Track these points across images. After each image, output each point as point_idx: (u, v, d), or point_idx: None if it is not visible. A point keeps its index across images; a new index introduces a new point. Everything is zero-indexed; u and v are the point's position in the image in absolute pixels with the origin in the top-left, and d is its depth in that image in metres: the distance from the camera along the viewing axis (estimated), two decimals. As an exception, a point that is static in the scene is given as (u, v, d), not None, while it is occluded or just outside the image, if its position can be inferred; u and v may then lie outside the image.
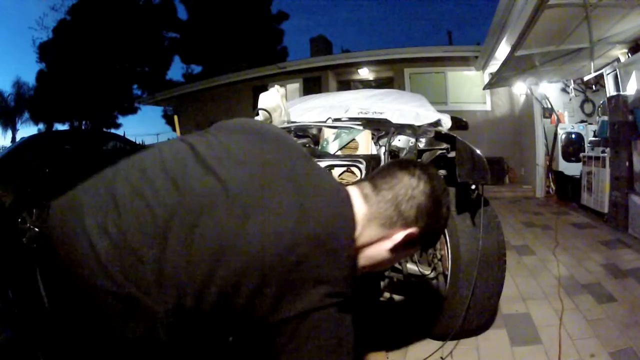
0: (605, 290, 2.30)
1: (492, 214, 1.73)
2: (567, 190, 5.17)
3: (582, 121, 5.68)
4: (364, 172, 1.37)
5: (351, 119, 2.06)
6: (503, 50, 5.39)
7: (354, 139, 1.63)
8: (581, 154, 4.71)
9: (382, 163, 1.60)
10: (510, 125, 7.17)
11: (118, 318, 0.62)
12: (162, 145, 0.83)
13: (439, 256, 1.85)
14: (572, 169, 5.24)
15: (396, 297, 1.99)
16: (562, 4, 3.35)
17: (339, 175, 1.46)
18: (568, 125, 5.59)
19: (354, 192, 0.77)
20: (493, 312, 1.86)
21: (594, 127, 4.97)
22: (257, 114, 2.09)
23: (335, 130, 1.69)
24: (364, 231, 0.73)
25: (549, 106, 5.95)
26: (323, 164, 1.41)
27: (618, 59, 4.61)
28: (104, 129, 17.08)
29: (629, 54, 4.43)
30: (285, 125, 1.99)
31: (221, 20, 19.03)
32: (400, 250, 0.77)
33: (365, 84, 8.95)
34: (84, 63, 17.83)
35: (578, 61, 4.64)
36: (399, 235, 0.75)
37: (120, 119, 22.29)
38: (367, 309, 1.44)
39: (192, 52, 20.50)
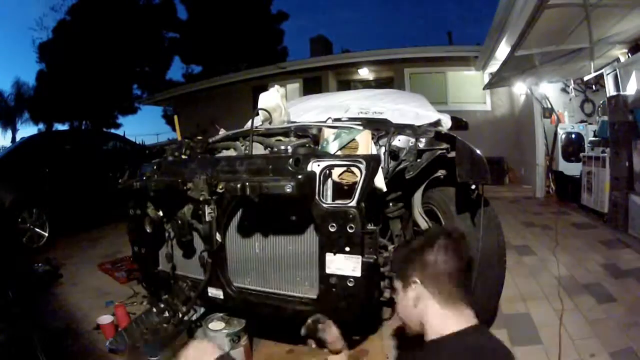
0: (605, 290, 2.30)
1: (492, 214, 1.73)
2: (567, 190, 5.16)
3: (582, 121, 5.68)
4: (363, 172, 1.36)
5: (351, 119, 2.06)
6: (503, 50, 5.38)
7: (354, 139, 1.62)
8: (581, 154, 4.71)
9: (382, 163, 1.60)
10: (510, 125, 7.16)
11: None
12: None
13: (439, 256, 1.84)
14: (572, 169, 5.23)
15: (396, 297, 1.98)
16: (562, 4, 3.34)
17: (339, 175, 1.46)
18: (568, 125, 5.59)
19: None
20: (493, 312, 1.86)
21: (594, 127, 4.96)
22: (257, 114, 2.09)
23: (335, 130, 1.69)
24: None
25: (549, 106, 5.95)
26: (323, 164, 1.40)
27: (618, 59, 4.60)
28: (104, 129, 17.05)
29: (629, 54, 4.42)
30: (285, 125, 1.99)
31: (221, 20, 19.02)
32: None
33: (365, 84, 8.94)
34: (83, 63, 17.81)
35: (578, 61, 4.64)
36: None
37: (120, 119, 22.27)
38: (368, 309, 1.44)
39: (192, 52, 20.48)
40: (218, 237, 1.51)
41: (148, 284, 2.10)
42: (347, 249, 1.35)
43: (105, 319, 2.02)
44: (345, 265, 1.37)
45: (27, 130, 24.24)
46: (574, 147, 5.34)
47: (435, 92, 7.31)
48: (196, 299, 1.70)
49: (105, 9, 18.21)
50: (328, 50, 10.73)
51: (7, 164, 4.42)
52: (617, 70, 4.55)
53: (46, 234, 4.08)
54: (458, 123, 2.55)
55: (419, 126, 1.92)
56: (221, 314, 1.73)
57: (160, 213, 1.71)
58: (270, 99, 2.05)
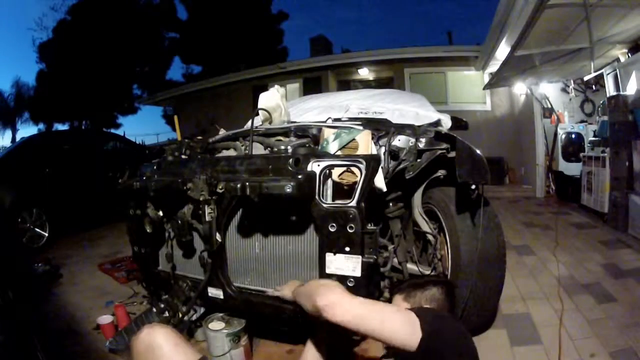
0: (605, 290, 2.30)
1: (492, 214, 1.73)
2: (567, 190, 5.16)
3: (582, 121, 5.68)
4: (363, 172, 1.36)
5: (351, 119, 2.06)
6: (503, 50, 5.39)
7: (354, 139, 1.62)
8: (581, 154, 4.71)
9: (382, 163, 1.60)
10: (510, 125, 7.16)
11: None
12: None
13: (439, 256, 1.85)
14: (572, 169, 5.24)
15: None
16: (562, 4, 3.34)
17: (339, 175, 1.46)
18: (568, 125, 5.59)
19: None
20: (493, 312, 1.86)
21: (594, 127, 4.96)
22: (257, 114, 2.09)
23: (335, 130, 1.68)
24: None
25: (549, 106, 5.95)
26: (323, 164, 1.40)
27: (618, 59, 4.61)
28: (104, 129, 17.05)
29: (629, 54, 4.42)
30: (285, 125, 1.99)
31: (221, 20, 19.02)
32: None
33: (365, 84, 8.94)
34: (84, 63, 17.81)
35: (578, 61, 4.64)
36: None
37: (120, 119, 22.30)
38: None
39: (192, 52, 20.49)
40: (218, 237, 1.51)
41: (148, 284, 2.10)
42: (347, 249, 1.35)
43: (105, 319, 2.02)
44: (345, 265, 1.37)
45: (27, 130, 24.30)
46: (574, 147, 5.34)
47: (435, 92, 7.32)
48: (196, 299, 1.70)
49: (105, 9, 18.21)
50: (328, 50, 10.74)
51: (7, 164, 4.42)
52: (617, 70, 4.55)
53: (46, 234, 4.08)
54: (458, 123, 2.55)
55: (419, 126, 1.92)
56: (221, 314, 1.73)
57: (160, 213, 1.70)
58: (270, 99, 2.05)
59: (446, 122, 2.40)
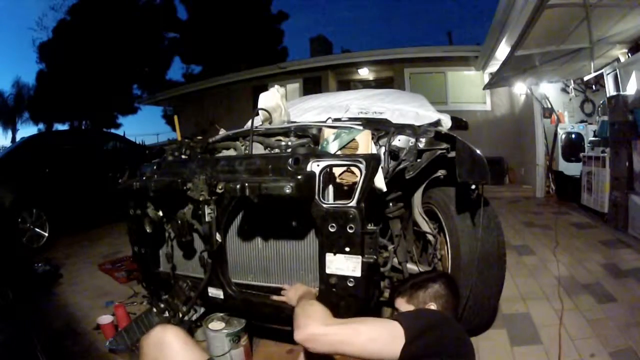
0: (605, 290, 2.30)
1: (492, 214, 1.73)
2: (567, 190, 5.16)
3: (582, 121, 5.68)
4: (363, 172, 1.36)
5: (351, 119, 2.06)
6: (503, 50, 5.39)
7: (354, 139, 1.62)
8: (581, 154, 4.71)
9: (382, 163, 1.60)
10: (510, 125, 7.16)
11: None
12: None
13: (439, 256, 1.85)
14: (572, 169, 5.24)
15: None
16: (562, 4, 3.34)
17: (339, 175, 1.46)
18: (568, 125, 5.59)
19: None
20: (493, 312, 1.86)
21: (594, 127, 4.96)
22: (257, 114, 2.09)
23: (335, 130, 1.68)
24: None
25: (549, 106, 5.95)
26: (323, 163, 1.40)
27: (618, 59, 4.61)
28: (104, 129, 17.05)
29: (629, 54, 4.42)
30: (285, 125, 1.99)
31: (221, 20, 19.02)
32: None
33: (365, 84, 8.94)
34: (83, 63, 17.82)
35: (578, 61, 4.64)
36: None
37: (120, 119, 22.32)
38: (368, 309, 1.44)
39: (192, 52, 20.50)
40: (218, 237, 1.51)
41: (148, 284, 2.10)
42: (347, 249, 1.35)
43: (105, 319, 2.02)
44: (345, 265, 1.37)
45: (27, 130, 24.30)
46: (574, 147, 5.34)
47: (435, 92, 7.32)
48: (196, 299, 1.70)
49: (105, 9, 18.21)
50: (328, 50, 10.74)
51: (7, 164, 4.42)
52: (617, 70, 4.55)
53: (46, 234, 4.08)
54: (458, 123, 2.54)
55: (419, 126, 1.92)
56: (221, 314, 1.73)
57: (160, 213, 1.71)
58: (270, 99, 2.05)
59: (446, 122, 2.40)
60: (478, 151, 1.53)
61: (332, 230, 1.35)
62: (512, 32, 4.72)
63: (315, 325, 0.98)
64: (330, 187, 1.46)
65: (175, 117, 3.32)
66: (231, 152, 1.93)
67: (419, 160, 1.69)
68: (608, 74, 4.79)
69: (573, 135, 5.43)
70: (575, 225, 3.94)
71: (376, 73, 8.62)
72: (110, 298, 2.54)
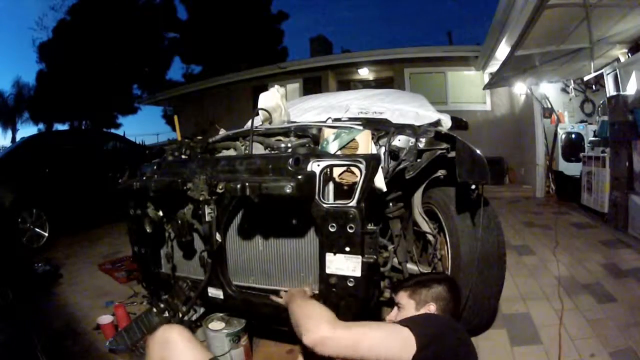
0: (605, 290, 2.30)
1: (492, 214, 1.73)
2: (567, 190, 5.16)
3: (582, 121, 5.68)
4: (363, 171, 1.36)
5: (351, 119, 2.06)
6: (503, 50, 5.39)
7: (354, 139, 1.62)
8: (581, 154, 4.71)
9: (382, 163, 1.60)
10: (510, 125, 7.16)
11: None
12: None
13: (439, 256, 1.85)
14: (572, 169, 5.24)
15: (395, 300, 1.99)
16: (562, 4, 3.34)
17: (339, 175, 1.46)
18: (568, 125, 5.59)
19: None
20: (493, 312, 1.86)
21: (594, 127, 4.97)
22: (257, 114, 2.09)
23: (335, 130, 1.68)
24: None
25: (549, 106, 5.95)
26: (323, 163, 1.40)
27: (618, 59, 4.61)
28: (104, 129, 17.05)
29: (629, 54, 4.42)
30: (285, 125, 1.99)
31: (221, 20, 19.02)
32: None
33: (365, 84, 8.94)
34: (83, 63, 17.82)
35: (578, 61, 4.64)
36: None
37: (120, 119, 22.32)
38: (368, 309, 1.44)
39: (192, 52, 20.50)
40: (218, 237, 1.51)
41: (148, 284, 2.10)
42: (347, 249, 1.35)
43: (105, 319, 2.02)
44: (345, 265, 1.37)
45: (27, 130, 24.29)
46: (574, 147, 5.34)
47: (435, 92, 7.32)
48: (196, 299, 1.70)
49: (105, 9, 18.21)
50: (328, 50, 10.74)
51: (7, 164, 4.42)
52: (617, 70, 4.55)
53: (46, 234, 4.08)
54: (458, 123, 2.54)
55: (419, 126, 1.92)
56: (221, 314, 1.73)
57: (160, 213, 1.71)
58: (270, 99, 2.05)
59: (446, 122, 2.40)
60: (478, 151, 1.53)
61: (332, 230, 1.35)
62: (512, 32, 4.72)
63: (325, 328, 0.98)
64: (331, 187, 1.46)
65: (175, 117, 3.32)
66: (231, 152, 1.93)
67: (419, 160, 1.69)
68: (608, 74, 4.79)
69: (573, 135, 5.44)
70: (575, 225, 3.94)
71: (376, 73, 8.62)
72: (110, 298, 2.54)
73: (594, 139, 4.70)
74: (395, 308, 1.35)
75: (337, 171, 1.45)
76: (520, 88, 6.37)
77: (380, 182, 1.49)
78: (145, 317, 1.92)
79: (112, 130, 18.57)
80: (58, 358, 1.86)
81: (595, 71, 4.63)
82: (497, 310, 1.95)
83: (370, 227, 1.36)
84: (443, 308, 1.26)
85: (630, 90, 4.15)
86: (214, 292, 1.64)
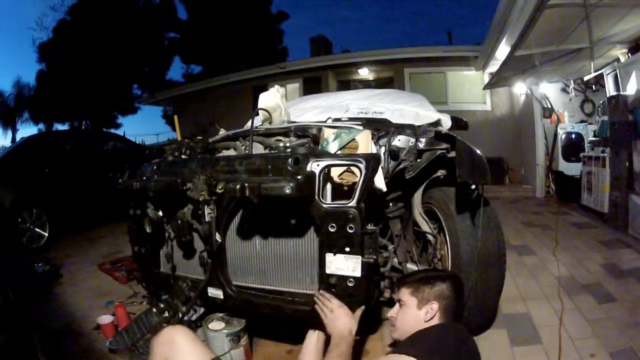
0: (605, 290, 2.30)
1: (492, 214, 1.73)
2: (567, 190, 5.16)
3: (582, 121, 5.68)
4: (363, 171, 1.36)
5: (351, 119, 2.06)
6: (503, 50, 5.39)
7: (354, 139, 1.62)
8: (581, 154, 4.71)
9: (382, 163, 1.60)
10: (510, 125, 7.16)
11: None
12: None
13: (439, 256, 1.85)
14: (572, 169, 5.24)
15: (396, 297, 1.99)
16: (562, 4, 3.34)
17: (339, 175, 1.46)
18: (568, 125, 5.59)
19: None
20: (493, 312, 1.86)
21: (594, 127, 4.96)
22: (257, 114, 2.09)
23: (335, 130, 1.68)
24: None
25: (549, 106, 5.95)
26: (322, 163, 1.40)
27: (618, 59, 4.61)
28: (104, 129, 17.05)
29: (629, 54, 4.42)
30: (285, 125, 1.99)
31: (221, 20, 19.02)
32: None
33: (365, 84, 8.94)
34: (83, 63, 17.81)
35: (578, 61, 4.64)
36: None
37: (120, 119, 22.29)
38: (368, 309, 1.44)
39: (192, 52, 20.49)
40: (218, 237, 1.51)
41: (148, 284, 2.10)
42: (347, 249, 1.35)
43: (105, 319, 2.01)
44: (345, 265, 1.37)
45: (27, 130, 24.27)
46: (574, 147, 5.34)
47: (435, 92, 7.32)
48: (196, 299, 1.70)
49: (105, 9, 18.20)
50: (328, 50, 10.74)
51: (7, 164, 4.42)
52: (617, 70, 4.55)
53: (46, 234, 4.08)
54: (458, 123, 2.55)
55: (419, 126, 1.92)
56: (221, 314, 1.73)
57: (160, 213, 1.71)
58: (270, 99, 2.05)
59: (446, 122, 2.40)
60: (478, 151, 1.53)
61: (332, 230, 1.35)
62: (512, 32, 4.72)
63: None
64: (330, 187, 1.46)
65: (175, 117, 3.32)
66: (231, 152, 1.93)
67: (419, 160, 1.69)
68: (608, 74, 4.79)
69: (573, 135, 5.44)
70: (575, 225, 3.94)
71: (376, 73, 8.62)
72: (110, 298, 2.54)
73: (594, 139, 4.69)
74: (397, 305, 1.35)
75: (337, 171, 1.45)
76: (520, 88, 6.37)
77: (380, 182, 1.49)
78: (145, 317, 1.92)
79: (112, 130, 18.59)
80: (58, 358, 1.86)
81: (595, 71, 4.62)
82: (497, 310, 1.95)
83: (370, 227, 1.37)
84: (445, 307, 1.25)
85: (630, 90, 4.15)
86: (214, 292, 1.64)
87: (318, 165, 1.39)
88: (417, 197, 1.95)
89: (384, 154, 1.65)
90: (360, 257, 1.35)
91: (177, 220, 1.58)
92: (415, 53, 7.59)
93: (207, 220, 1.47)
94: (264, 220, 1.56)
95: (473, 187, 1.56)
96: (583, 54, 4.31)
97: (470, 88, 7.46)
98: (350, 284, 1.37)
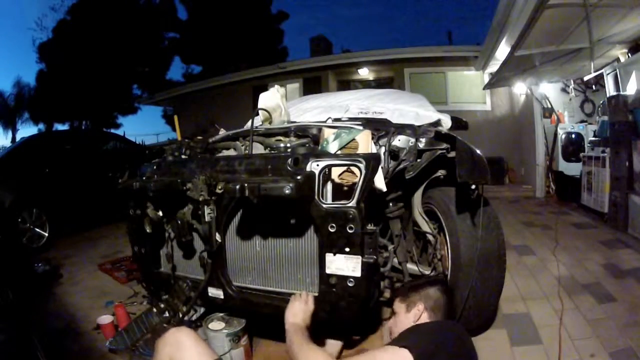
0: (605, 290, 2.30)
1: (492, 214, 1.73)
2: (567, 190, 5.16)
3: (582, 121, 5.68)
4: (363, 171, 1.36)
5: (351, 119, 2.06)
6: (503, 50, 5.38)
7: (354, 139, 1.62)
8: (581, 154, 4.71)
9: (382, 163, 1.60)
10: (510, 125, 7.16)
11: None
12: None
13: (439, 256, 1.85)
14: (572, 169, 5.24)
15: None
16: (562, 4, 3.34)
17: (339, 175, 1.46)
18: (568, 125, 5.59)
19: None
20: (493, 312, 1.86)
21: (594, 127, 4.96)
22: (257, 114, 2.09)
23: (335, 130, 1.68)
24: None
25: (549, 106, 5.95)
26: (322, 163, 1.40)
27: (618, 59, 4.60)
28: (104, 129, 17.04)
29: (629, 54, 4.42)
30: (285, 125, 1.99)
31: (221, 20, 19.02)
32: None
33: (365, 84, 8.94)
34: (83, 63, 17.80)
35: (578, 61, 4.64)
36: None
37: (120, 119, 22.27)
38: (367, 309, 1.44)
39: (192, 52, 20.48)
40: (218, 237, 1.51)
41: (148, 284, 2.10)
42: (347, 249, 1.35)
43: (105, 319, 2.02)
44: (345, 265, 1.37)
45: (27, 130, 24.23)
46: (574, 147, 5.34)
47: (435, 92, 7.32)
48: (196, 299, 1.70)
49: (105, 9, 18.20)
50: (328, 50, 10.75)
51: (7, 164, 4.42)
52: (617, 70, 4.55)
53: (46, 234, 4.08)
54: (458, 123, 2.54)
55: (419, 126, 1.92)
56: (221, 314, 1.73)
57: (160, 213, 1.71)
58: (270, 99, 2.05)
59: (446, 122, 2.40)
60: (478, 151, 1.53)
61: (332, 230, 1.35)
62: (512, 32, 4.71)
63: None
64: (330, 187, 1.46)
65: (175, 117, 3.32)
66: (231, 152, 1.93)
67: (419, 160, 1.69)
68: (608, 74, 4.79)
69: (573, 135, 5.43)
70: (575, 225, 3.94)
71: (376, 73, 8.62)
72: (110, 298, 2.54)
73: (594, 139, 4.69)
74: (393, 316, 1.40)
75: (337, 171, 1.45)
76: (520, 88, 6.36)
77: (380, 182, 1.49)
78: (145, 317, 1.92)
79: (112, 130, 18.57)
80: (58, 358, 1.86)
81: (595, 71, 4.62)
82: (497, 310, 1.95)
83: (370, 227, 1.37)
84: (432, 307, 1.30)
85: (630, 90, 4.15)
86: (214, 292, 1.64)
87: (318, 165, 1.39)
88: (417, 197, 1.95)
89: (384, 154, 1.65)
90: (360, 257, 1.35)
91: (177, 221, 1.58)
92: (415, 53, 7.59)
93: (207, 220, 1.47)
94: (264, 221, 1.56)
95: (473, 187, 1.56)
96: (583, 54, 4.31)
97: (470, 88, 7.46)
98: (350, 284, 1.37)
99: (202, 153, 1.95)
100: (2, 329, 2.13)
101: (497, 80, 6.10)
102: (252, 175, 1.47)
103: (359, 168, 1.37)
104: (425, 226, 1.92)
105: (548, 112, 5.93)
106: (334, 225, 1.35)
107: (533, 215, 4.58)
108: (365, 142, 1.61)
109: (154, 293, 1.98)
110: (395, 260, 1.83)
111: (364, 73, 8.52)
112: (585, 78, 5.50)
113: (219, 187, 1.43)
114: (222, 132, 2.29)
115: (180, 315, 1.75)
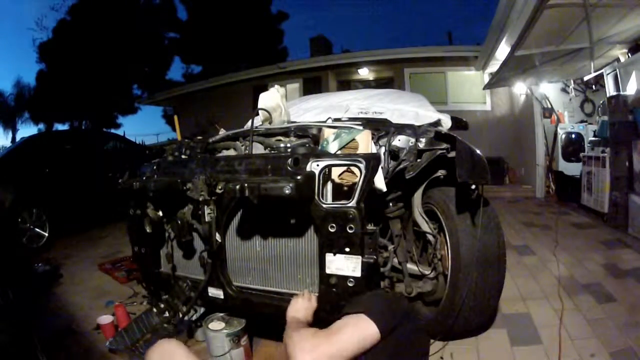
0: (605, 290, 2.30)
1: (492, 213, 1.73)
2: (567, 190, 5.16)
3: (582, 121, 5.68)
4: (363, 171, 1.36)
5: (351, 119, 2.06)
6: (503, 50, 5.39)
7: (354, 139, 1.62)
8: (581, 154, 4.71)
9: (382, 163, 1.60)
10: (510, 125, 7.16)
11: None
12: None
13: (439, 256, 1.84)
14: (572, 169, 5.24)
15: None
16: (562, 4, 3.34)
17: (339, 175, 1.46)
18: (568, 125, 5.59)
19: None
20: (493, 312, 1.86)
21: (594, 127, 4.96)
22: (257, 114, 2.09)
23: (335, 130, 1.68)
24: None
25: (549, 106, 5.95)
26: (322, 163, 1.40)
27: (618, 59, 4.60)
28: (104, 129, 17.04)
29: (629, 54, 4.42)
30: (285, 125, 1.99)
31: (221, 20, 19.02)
32: None
33: (365, 84, 8.94)
34: (84, 63, 17.81)
35: (578, 61, 4.64)
36: None
37: (120, 119, 22.30)
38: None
39: (192, 52, 20.49)
40: (218, 237, 1.51)
41: (148, 284, 2.10)
42: (347, 249, 1.35)
43: (105, 319, 2.02)
44: (345, 265, 1.37)
45: (27, 130, 24.28)
46: (574, 147, 5.34)
47: (435, 92, 7.32)
48: (196, 299, 1.70)
49: (106, 9, 18.20)
50: (328, 50, 10.73)
51: (7, 164, 4.42)
52: (617, 70, 4.55)
53: (46, 234, 4.08)
54: (458, 123, 2.54)
55: (419, 126, 1.92)
56: (221, 314, 1.73)
57: (160, 213, 1.71)
58: (270, 99, 2.05)
59: (446, 122, 2.40)
60: (478, 151, 1.53)
61: (332, 230, 1.35)
62: (512, 32, 4.71)
63: (308, 349, 1.06)
64: (330, 187, 1.46)
65: (175, 117, 3.33)
66: (231, 152, 1.93)
67: (419, 160, 1.69)
68: (608, 74, 4.79)
69: (573, 135, 5.43)
70: (575, 225, 3.94)
71: (376, 73, 8.62)
72: (110, 298, 2.54)
73: (594, 139, 4.69)
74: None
75: (337, 171, 1.45)
76: (520, 88, 6.36)
77: (380, 182, 1.49)
78: (145, 317, 1.93)
79: (112, 130, 18.57)
80: (58, 358, 1.86)
81: (595, 71, 4.62)
82: (497, 310, 1.95)
83: (370, 227, 1.37)
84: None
85: (630, 90, 4.15)
86: (214, 292, 1.64)
87: (318, 165, 1.39)
88: (417, 197, 1.94)
89: (384, 154, 1.65)
90: (360, 257, 1.35)
91: (177, 221, 1.58)
92: (415, 53, 7.59)
93: (207, 220, 1.47)
94: (264, 221, 1.56)
95: (473, 187, 1.56)
96: (583, 54, 4.31)
97: (470, 88, 7.46)
98: (350, 284, 1.37)
99: (202, 153, 1.95)
100: (2, 329, 2.13)
101: (497, 80, 6.10)
102: (252, 175, 1.47)
103: (359, 168, 1.37)
104: (425, 226, 1.92)
105: (548, 112, 5.93)
106: (334, 225, 1.35)
107: (533, 215, 4.58)
108: (365, 142, 1.61)
109: (154, 293, 1.98)
110: (395, 260, 1.83)
111: (364, 73, 8.52)
112: (585, 78, 5.50)
113: (219, 187, 1.43)
114: (222, 132, 2.29)
115: (180, 315, 1.75)
